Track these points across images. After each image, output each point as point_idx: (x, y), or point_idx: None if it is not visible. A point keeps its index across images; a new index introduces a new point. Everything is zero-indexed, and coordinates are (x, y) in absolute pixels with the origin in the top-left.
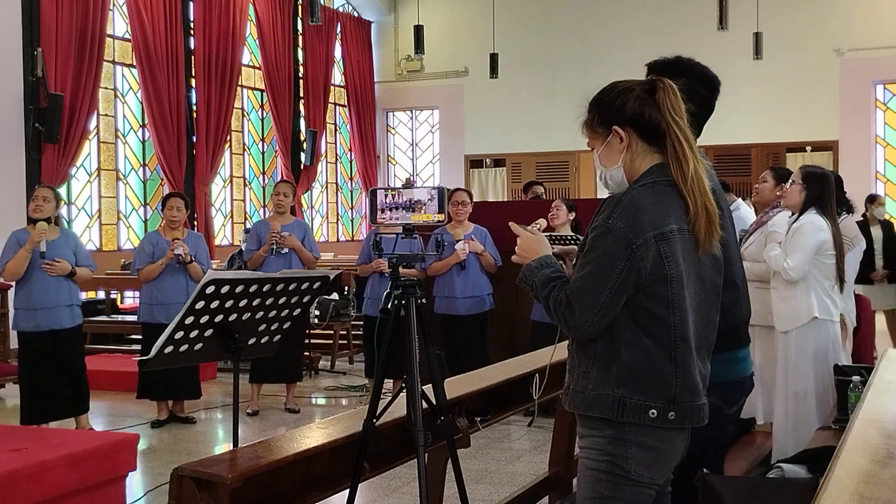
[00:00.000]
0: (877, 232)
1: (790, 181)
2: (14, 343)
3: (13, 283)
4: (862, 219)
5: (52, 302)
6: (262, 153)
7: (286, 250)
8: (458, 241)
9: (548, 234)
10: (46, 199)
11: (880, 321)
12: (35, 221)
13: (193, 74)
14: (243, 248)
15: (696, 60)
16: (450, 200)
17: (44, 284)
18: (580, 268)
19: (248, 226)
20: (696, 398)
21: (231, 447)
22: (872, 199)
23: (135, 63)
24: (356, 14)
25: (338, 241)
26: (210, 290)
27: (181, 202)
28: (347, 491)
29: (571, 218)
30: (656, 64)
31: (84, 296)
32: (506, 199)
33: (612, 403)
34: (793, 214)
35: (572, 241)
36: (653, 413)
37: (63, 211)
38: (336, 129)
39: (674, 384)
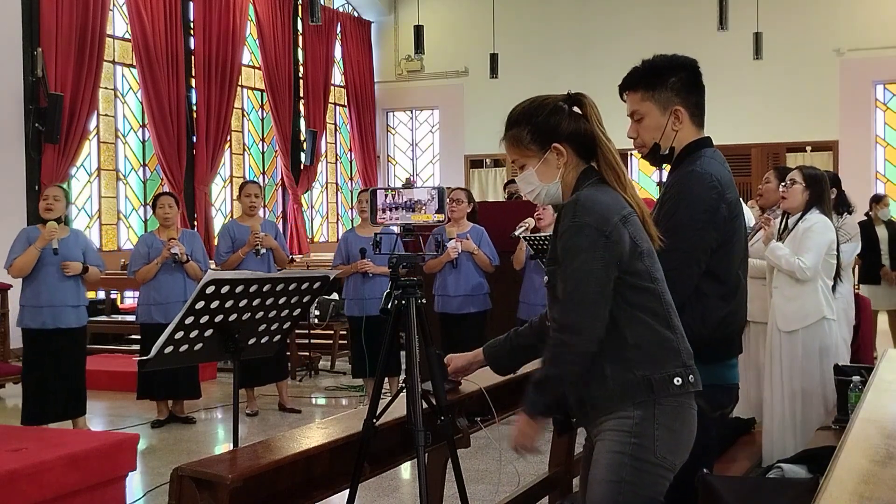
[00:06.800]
0: (882, 232)
1: (789, 182)
2: (14, 343)
3: (13, 284)
4: (866, 218)
5: (60, 301)
6: (262, 153)
7: (264, 251)
8: (450, 240)
9: (532, 235)
10: (57, 199)
11: (883, 321)
12: (45, 221)
13: (193, 74)
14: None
15: (667, 54)
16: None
17: (52, 283)
18: (564, 278)
19: None
20: (692, 359)
21: (231, 447)
22: (878, 200)
23: (135, 63)
24: (356, 14)
25: (338, 241)
26: (210, 290)
27: (171, 199)
28: (347, 491)
29: None
30: (651, 68)
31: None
32: (506, 200)
33: (639, 385)
34: (791, 215)
35: None
36: (678, 381)
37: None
38: (336, 129)
39: (679, 349)
